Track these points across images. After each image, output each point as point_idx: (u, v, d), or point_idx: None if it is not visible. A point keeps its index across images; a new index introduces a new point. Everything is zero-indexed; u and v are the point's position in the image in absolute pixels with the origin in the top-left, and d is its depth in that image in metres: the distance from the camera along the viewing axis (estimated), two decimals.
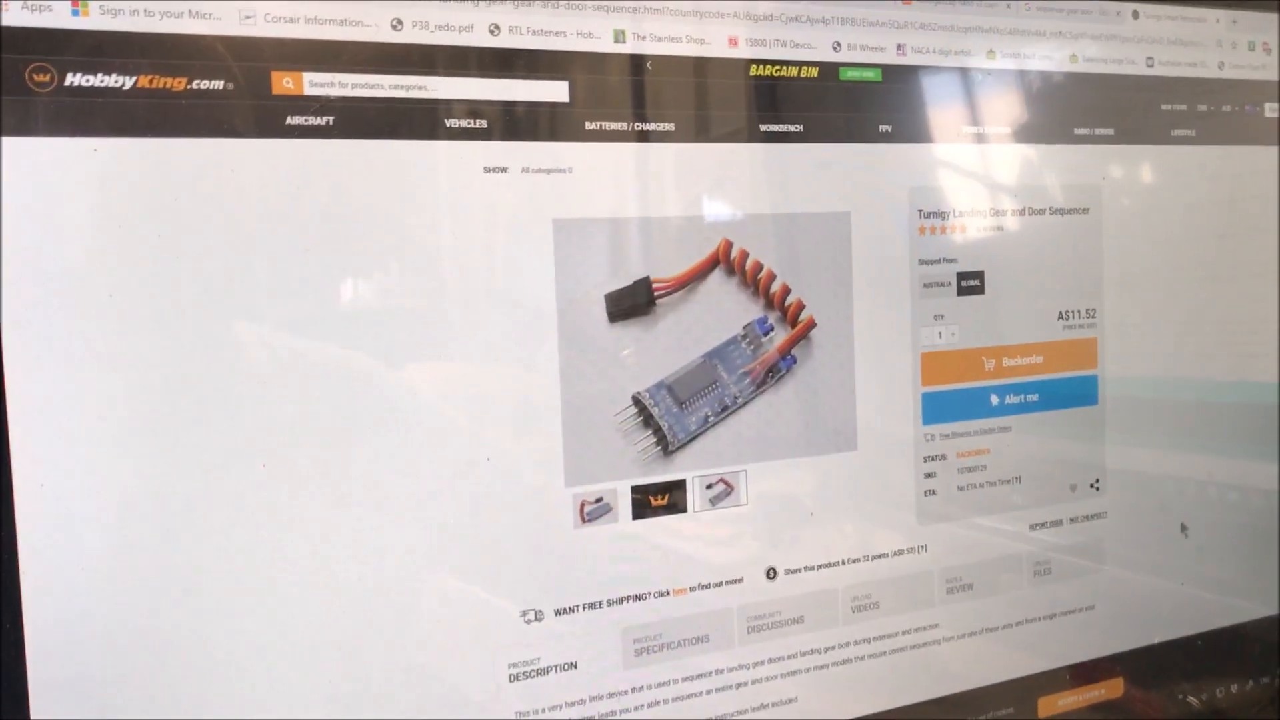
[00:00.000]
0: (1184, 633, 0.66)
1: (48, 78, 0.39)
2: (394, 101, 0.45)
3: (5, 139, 0.39)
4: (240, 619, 0.43)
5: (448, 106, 0.46)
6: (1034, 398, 0.60)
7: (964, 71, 0.57)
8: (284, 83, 0.43)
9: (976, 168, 0.58)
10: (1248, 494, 0.68)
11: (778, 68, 0.52)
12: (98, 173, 0.40)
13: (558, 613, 0.49)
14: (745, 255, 0.52)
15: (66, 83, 0.39)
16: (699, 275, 0.51)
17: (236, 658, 0.43)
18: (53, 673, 0.40)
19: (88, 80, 0.40)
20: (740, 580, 0.53)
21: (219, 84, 0.42)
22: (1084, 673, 0.63)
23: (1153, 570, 0.65)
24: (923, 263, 0.57)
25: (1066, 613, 0.62)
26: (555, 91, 0.48)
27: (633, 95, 0.49)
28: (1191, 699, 0.67)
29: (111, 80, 0.40)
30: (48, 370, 0.40)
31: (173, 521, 0.42)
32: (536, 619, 0.49)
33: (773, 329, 0.53)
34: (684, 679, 0.52)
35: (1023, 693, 0.61)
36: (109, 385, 0.40)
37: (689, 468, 0.52)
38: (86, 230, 0.40)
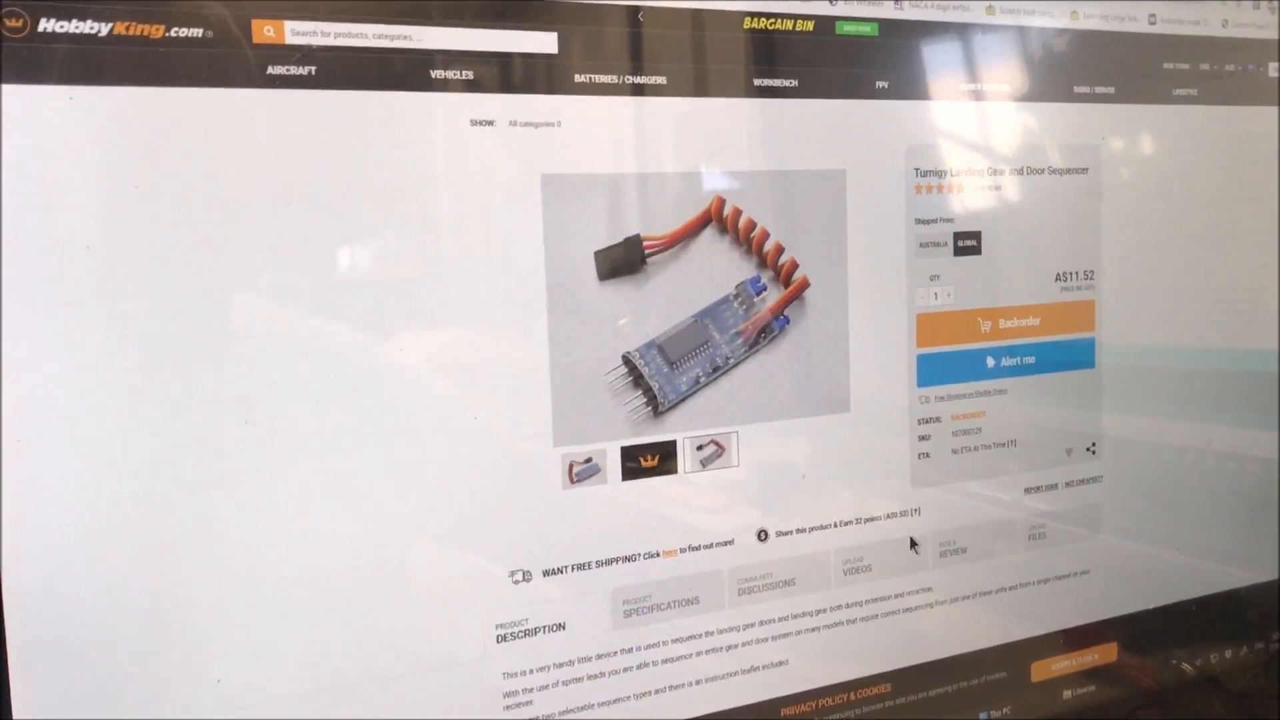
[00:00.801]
0: (1178, 598, 0.66)
1: (20, 23, 0.38)
2: (378, 51, 0.44)
3: None
4: (224, 579, 0.43)
5: (434, 57, 0.45)
6: (1030, 360, 0.60)
7: (963, 27, 0.56)
8: (265, 31, 0.42)
9: (974, 126, 0.57)
10: (1244, 461, 0.67)
11: (773, 20, 0.51)
12: (73, 122, 0.39)
13: (546, 574, 0.49)
14: (738, 213, 0.51)
15: (40, 28, 0.38)
16: (690, 233, 0.51)
17: (220, 618, 0.43)
18: (31, 634, 0.40)
19: (62, 26, 0.39)
20: (731, 542, 0.53)
21: (198, 32, 0.41)
22: (1077, 638, 0.63)
23: (1147, 535, 0.65)
24: (919, 222, 0.56)
25: (1060, 577, 0.62)
26: (544, 42, 0.47)
27: (624, 47, 0.48)
28: (1185, 664, 0.67)
29: (87, 26, 0.39)
30: (23, 325, 0.39)
31: (154, 479, 0.41)
32: (524, 580, 0.48)
33: (765, 288, 0.52)
34: (673, 641, 0.52)
35: (1016, 657, 0.61)
36: (87, 340, 0.40)
37: (679, 428, 0.51)
38: (62, 181, 0.39)
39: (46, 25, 0.38)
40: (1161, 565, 0.65)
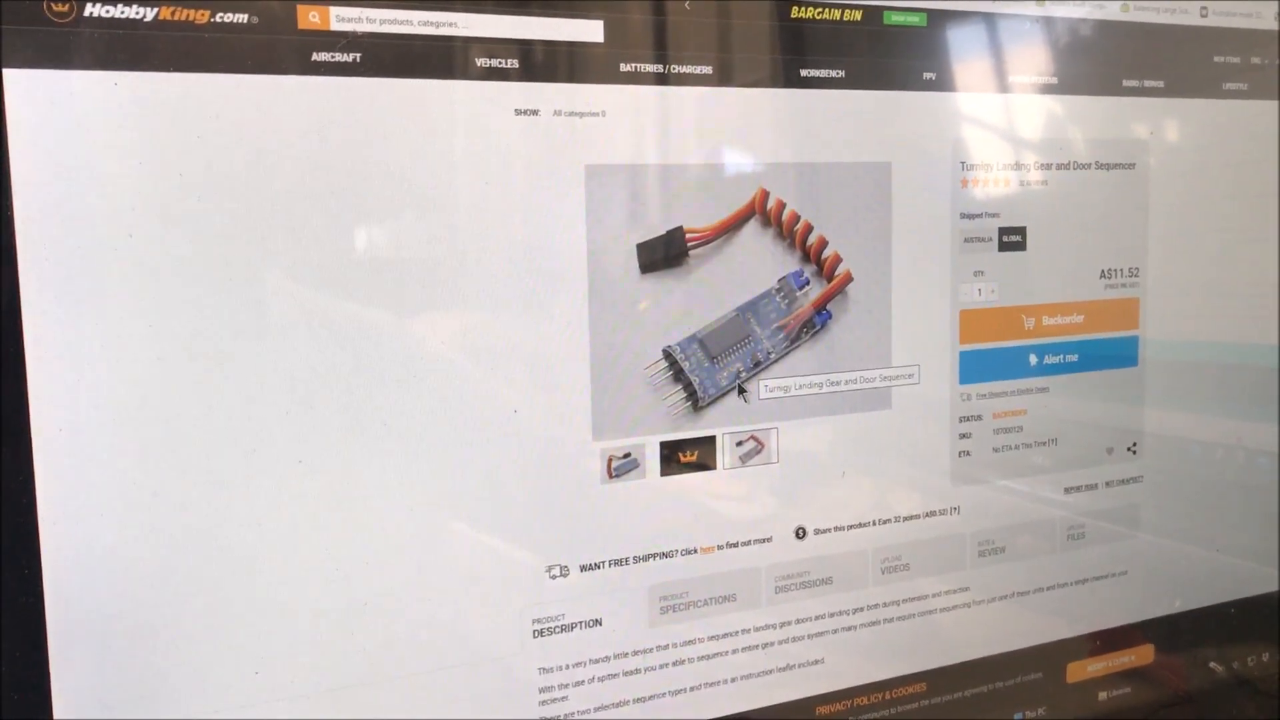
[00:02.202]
0: (1217, 600, 0.65)
1: (67, 8, 0.38)
2: (423, 39, 0.43)
3: (24, 71, 0.37)
4: (262, 570, 0.42)
5: (479, 45, 0.44)
6: (1073, 358, 0.59)
7: (1011, 18, 0.55)
8: (310, 17, 0.41)
9: (1021, 119, 0.56)
10: None
11: (820, 10, 0.50)
12: (119, 108, 0.39)
13: (583, 569, 0.48)
14: (782, 206, 0.50)
15: (86, 13, 0.38)
16: (734, 226, 0.50)
17: (259, 610, 0.42)
18: (71, 618, 0.40)
19: (108, 11, 0.38)
20: (769, 539, 0.52)
21: (243, 17, 0.40)
22: (1114, 639, 0.63)
23: (1188, 536, 0.64)
24: (964, 217, 0.55)
25: (1098, 578, 0.61)
26: (590, 31, 0.46)
27: (670, 36, 0.48)
28: (1222, 667, 0.66)
29: (133, 11, 0.38)
30: (66, 311, 0.38)
31: (193, 467, 0.41)
32: (562, 575, 0.48)
33: (808, 283, 0.52)
34: (710, 638, 0.51)
35: (1051, 658, 0.61)
36: (129, 327, 0.39)
37: (719, 424, 0.51)
38: (107, 168, 0.39)
39: (93, 9, 0.38)
40: (1201, 567, 0.65)
